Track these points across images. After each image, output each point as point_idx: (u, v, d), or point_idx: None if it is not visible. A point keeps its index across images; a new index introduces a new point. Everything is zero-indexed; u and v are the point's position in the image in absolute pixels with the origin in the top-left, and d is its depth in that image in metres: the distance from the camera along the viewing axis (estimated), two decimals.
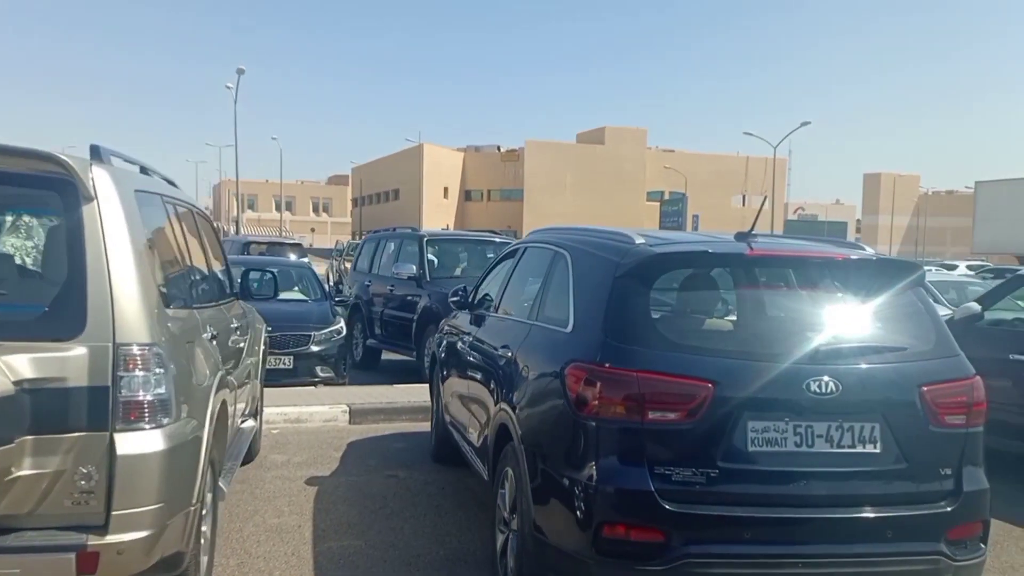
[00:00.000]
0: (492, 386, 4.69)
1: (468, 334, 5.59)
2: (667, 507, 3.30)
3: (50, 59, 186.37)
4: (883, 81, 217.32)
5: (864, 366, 3.53)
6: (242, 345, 5.39)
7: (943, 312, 8.03)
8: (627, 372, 3.38)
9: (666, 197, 65.96)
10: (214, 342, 4.16)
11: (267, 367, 8.58)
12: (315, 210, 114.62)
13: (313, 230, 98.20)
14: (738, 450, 3.37)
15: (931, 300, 3.91)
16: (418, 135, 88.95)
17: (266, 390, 8.16)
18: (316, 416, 7.78)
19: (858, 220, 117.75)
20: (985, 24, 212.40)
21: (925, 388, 3.56)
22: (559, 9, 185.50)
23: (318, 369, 9.13)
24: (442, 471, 6.41)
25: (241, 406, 5.35)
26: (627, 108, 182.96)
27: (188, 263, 4.24)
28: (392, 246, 11.92)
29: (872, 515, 3.44)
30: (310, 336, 9.09)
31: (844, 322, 3.80)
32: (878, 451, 3.48)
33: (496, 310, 5.32)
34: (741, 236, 3.97)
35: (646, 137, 78.65)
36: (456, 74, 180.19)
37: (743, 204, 79.71)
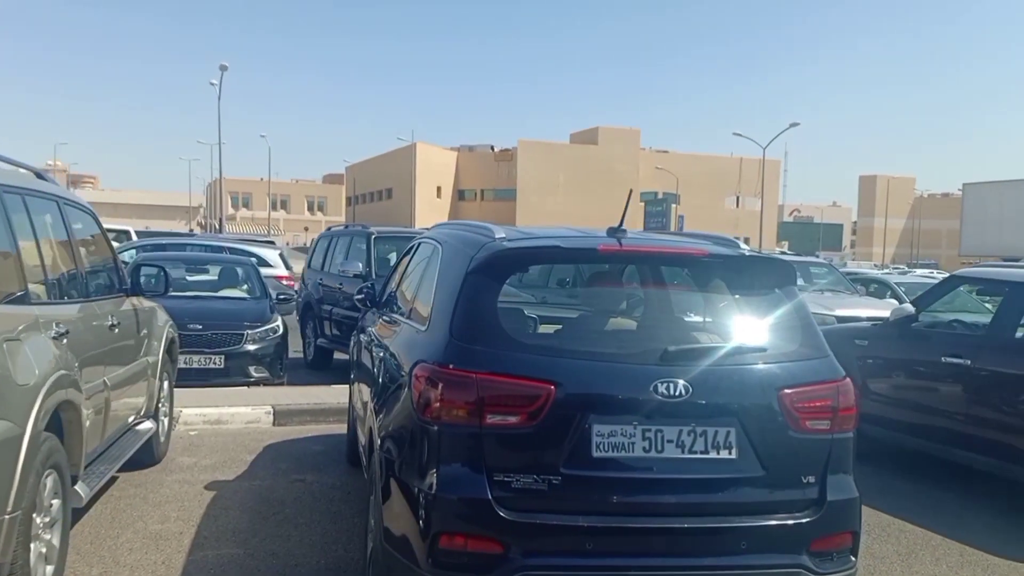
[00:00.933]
0: (371, 388, 4.50)
1: (366, 333, 5.40)
2: (505, 516, 3.10)
3: (44, 58, 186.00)
4: (880, 84, 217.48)
5: (719, 367, 3.32)
6: (126, 343, 5.17)
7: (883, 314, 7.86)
8: (467, 373, 3.17)
9: (659, 197, 65.78)
10: (63, 340, 3.95)
11: (196, 367, 8.46)
12: (310, 209, 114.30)
13: (307, 229, 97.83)
14: (582, 455, 3.16)
15: (803, 300, 3.69)
16: (411, 134, 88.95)
17: (190, 391, 8.02)
18: (238, 417, 7.56)
19: (854, 222, 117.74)
20: (981, 29, 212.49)
21: (784, 391, 3.34)
22: (552, 12, 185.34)
23: (252, 369, 8.89)
24: (353, 475, 6.19)
25: (124, 406, 5.13)
26: (621, 109, 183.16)
27: (36, 260, 4.03)
28: (343, 244, 11.71)
29: (727, 525, 3.24)
30: (243, 335, 8.86)
31: (701, 321, 3.61)
32: (733, 457, 3.27)
33: (389, 308, 5.12)
34: (612, 232, 3.76)
35: (639, 138, 78.54)
36: (451, 75, 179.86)
37: (737, 205, 79.70)
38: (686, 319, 3.74)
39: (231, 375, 8.75)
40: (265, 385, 8.98)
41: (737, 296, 3.76)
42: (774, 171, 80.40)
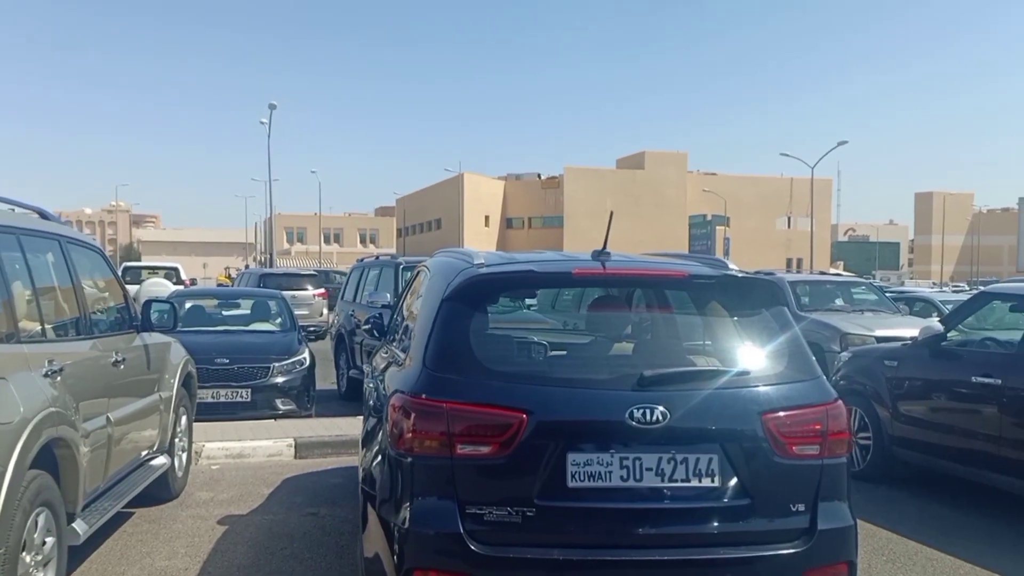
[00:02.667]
0: (364, 421, 4.48)
1: (370, 364, 5.39)
2: (478, 550, 3.03)
3: (105, 105, 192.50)
4: (933, 98, 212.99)
5: (699, 391, 3.21)
6: (134, 378, 5.24)
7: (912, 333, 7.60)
8: (437, 403, 3.13)
9: (707, 220, 65.24)
10: (56, 377, 4.00)
11: (223, 400, 8.55)
12: (362, 241, 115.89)
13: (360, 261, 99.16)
14: (557, 486, 3.08)
15: (792, 320, 3.56)
16: (459, 165, 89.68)
17: (215, 424, 8.11)
18: (260, 451, 7.60)
19: (911, 240, 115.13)
20: None
21: (769, 415, 3.22)
22: (595, 43, 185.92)
23: (278, 402, 8.94)
24: None
25: (132, 442, 5.18)
26: (667, 134, 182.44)
27: (31, 298, 4.11)
28: (373, 275, 11.79)
29: (709, 557, 3.12)
30: (269, 368, 8.93)
31: (682, 344, 3.51)
32: (716, 485, 3.16)
33: (390, 338, 5.11)
34: (596, 255, 3.69)
35: (687, 161, 78.07)
36: (498, 106, 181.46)
37: (788, 226, 78.48)
38: (667, 343, 3.64)
39: (258, 408, 8.82)
40: (292, 417, 9.02)
41: (721, 318, 3.65)
42: (825, 190, 79.09)
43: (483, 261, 3.63)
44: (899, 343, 7.57)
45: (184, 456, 6.54)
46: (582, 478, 3.09)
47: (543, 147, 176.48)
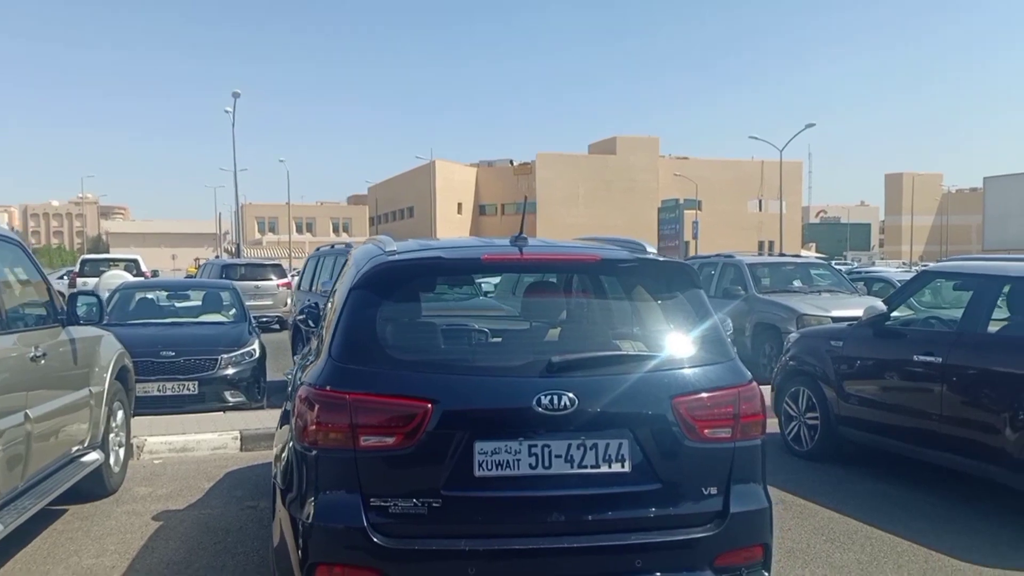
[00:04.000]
0: (282, 414, 4.39)
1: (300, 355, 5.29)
2: (382, 544, 2.97)
3: (70, 96, 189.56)
4: (902, 82, 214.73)
5: (608, 376, 3.17)
6: (57, 373, 5.11)
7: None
8: (340, 395, 3.06)
9: (674, 204, 65.43)
10: None
11: (170, 394, 8.42)
12: (335, 230, 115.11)
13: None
14: (464, 476, 3.02)
15: (707, 302, 3.52)
16: (430, 152, 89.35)
17: (160, 418, 7.98)
18: (204, 444, 7.47)
19: (882, 221, 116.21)
20: (1008, 21, 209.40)
21: (679, 399, 3.17)
22: (565, 27, 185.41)
23: (227, 394, 8.79)
24: None
25: (56, 438, 5.06)
26: (639, 119, 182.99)
27: None
28: (328, 263, 11.67)
29: (619, 543, 3.08)
30: (217, 360, 8.78)
31: (592, 329, 3.47)
32: (626, 470, 3.11)
33: (316, 328, 5.01)
34: (514, 240, 3.62)
35: (658, 146, 78.17)
36: (469, 93, 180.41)
37: (760, 209, 78.89)
38: (586, 328, 3.59)
39: (206, 401, 8.68)
40: (242, 410, 8.89)
41: (638, 302, 3.60)
42: (796, 173, 79.61)
43: (395, 248, 3.55)
44: (846, 323, 7.58)
45: (121, 451, 6.41)
46: (489, 467, 3.03)
47: (516, 134, 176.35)
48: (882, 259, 74.73)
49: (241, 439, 7.59)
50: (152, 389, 8.32)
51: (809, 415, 7.27)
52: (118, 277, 19.24)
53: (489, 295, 7.17)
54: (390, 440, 3.01)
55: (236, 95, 37.94)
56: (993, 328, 6.04)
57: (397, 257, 3.45)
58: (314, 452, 3.06)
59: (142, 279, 13.55)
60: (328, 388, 3.10)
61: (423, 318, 3.76)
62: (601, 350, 3.37)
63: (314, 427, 3.06)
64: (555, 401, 3.03)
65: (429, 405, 3.01)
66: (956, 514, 5.77)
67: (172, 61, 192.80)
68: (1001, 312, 6.17)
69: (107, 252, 64.78)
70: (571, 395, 3.05)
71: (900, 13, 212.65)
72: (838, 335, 7.13)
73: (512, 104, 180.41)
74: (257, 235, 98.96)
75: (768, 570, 3.31)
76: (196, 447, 7.46)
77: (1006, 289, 6.00)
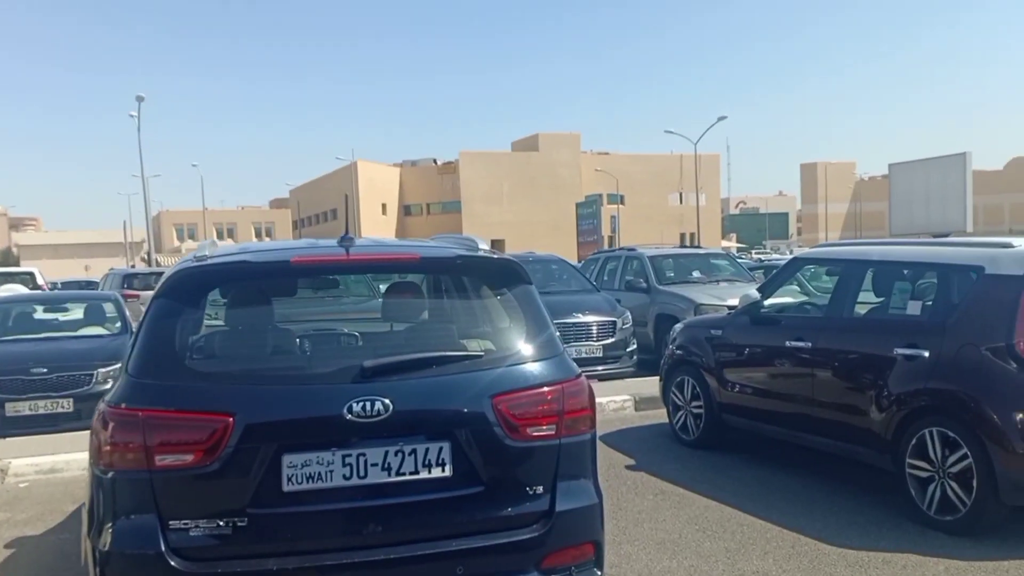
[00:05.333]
0: None
1: None
2: (180, 568, 2.80)
3: None
4: (816, 71, 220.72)
5: (426, 379, 3.07)
6: None
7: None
8: (132, 412, 2.88)
9: (605, 200, 65.95)
10: None
11: (42, 412, 8.03)
12: (258, 235, 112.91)
13: None
14: (271, 492, 2.88)
15: (537, 299, 3.44)
16: (351, 153, 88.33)
17: (31, 439, 7.61)
18: (74, 464, 7.11)
19: (799, 210, 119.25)
20: (914, 10, 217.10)
21: (499, 398, 3.08)
22: (483, 17, 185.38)
23: None
24: None
25: None
26: (561, 115, 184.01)
27: None
28: None
29: (441, 550, 2.97)
30: (94, 375, 8.41)
31: (408, 330, 3.35)
32: (448, 475, 3.01)
33: None
34: (341, 241, 3.48)
35: (579, 142, 78.65)
36: (389, 87, 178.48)
37: (680, 202, 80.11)
38: (396, 329, 3.48)
39: (83, 418, 8.22)
40: None
41: (459, 300, 3.52)
42: (713, 165, 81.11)
43: (206, 254, 3.38)
44: (725, 312, 7.65)
45: None
46: (300, 480, 2.89)
47: (439, 133, 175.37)
48: (800, 247, 76.64)
49: None
50: (23, 408, 7.94)
51: (694, 404, 7.31)
52: (12, 291, 18.42)
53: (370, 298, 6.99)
54: (188, 458, 2.85)
55: (140, 99, 36.86)
56: (860, 311, 6.15)
57: (200, 264, 3.28)
58: (110, 475, 2.89)
59: (17, 293, 12.95)
60: (123, 406, 2.92)
61: (235, 326, 3.58)
62: (435, 351, 3.25)
63: (108, 448, 2.89)
64: (367, 407, 2.91)
65: (230, 419, 2.86)
66: (829, 497, 5.84)
67: (81, 68, 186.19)
68: (870, 295, 6.29)
69: (17, 265, 62.34)
70: (385, 400, 2.93)
71: (802, 2, 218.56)
72: (717, 324, 7.19)
73: (434, 102, 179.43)
74: (176, 243, 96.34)
75: (600, 568, 3.25)
76: (65, 468, 7.10)
77: (869, 273, 6.11)
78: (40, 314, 10.11)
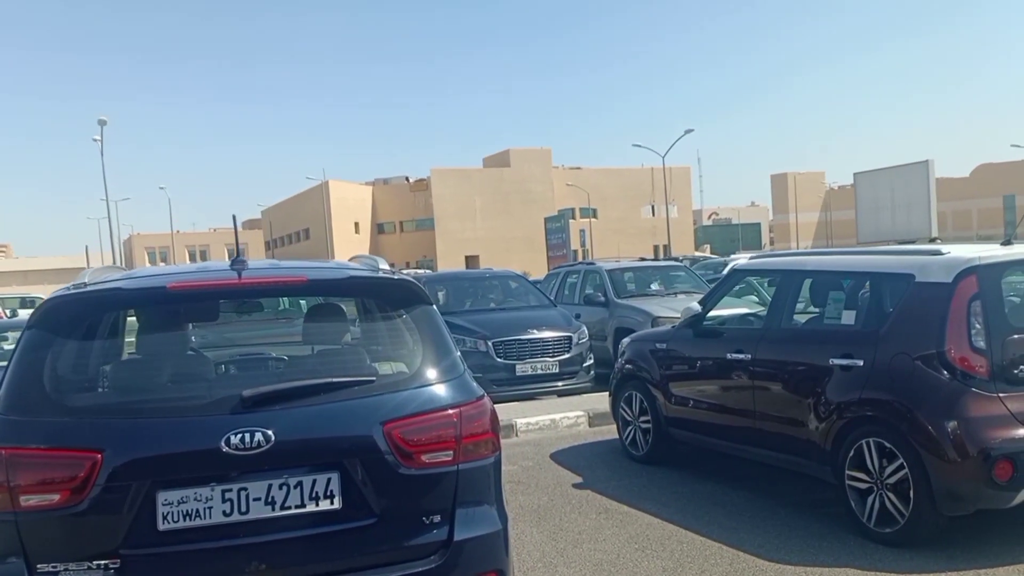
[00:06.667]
0: None
1: None
2: None
3: None
4: (785, 82, 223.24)
5: (311, 407, 2.93)
6: None
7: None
8: None
9: (576, 215, 66.05)
10: None
11: None
12: (230, 256, 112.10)
13: None
14: (146, 531, 2.74)
15: (438, 319, 3.32)
16: (322, 172, 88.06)
17: None
18: None
19: (771, 220, 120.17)
20: (878, 23, 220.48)
21: (391, 425, 2.95)
22: (452, 38, 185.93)
23: None
24: None
25: None
26: (532, 130, 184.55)
27: None
28: None
29: None
30: None
31: (300, 356, 3.22)
32: (337, 507, 2.88)
33: None
34: (235, 264, 3.35)
35: (551, 157, 78.89)
36: (360, 105, 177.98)
37: (652, 214, 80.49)
38: (280, 356, 3.35)
39: None
40: None
41: (353, 323, 3.41)
42: (684, 177, 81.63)
43: (85, 281, 3.24)
44: (668, 326, 7.58)
45: None
46: (176, 518, 2.75)
47: (410, 151, 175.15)
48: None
49: None
50: None
51: (642, 419, 7.22)
52: None
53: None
54: (55, 498, 2.70)
55: (103, 122, 36.56)
56: (799, 321, 6.10)
57: (72, 292, 3.15)
58: None
59: None
60: None
61: (114, 356, 3.43)
62: (325, 377, 3.12)
63: None
64: (246, 439, 2.78)
65: (99, 455, 2.72)
66: (773, 511, 5.75)
67: (46, 95, 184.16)
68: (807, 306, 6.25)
69: None
70: (267, 431, 2.80)
71: (768, 17, 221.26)
72: (662, 338, 7.11)
73: (405, 121, 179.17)
74: (147, 265, 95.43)
75: None
76: None
77: (806, 283, 6.06)
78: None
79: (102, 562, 2.70)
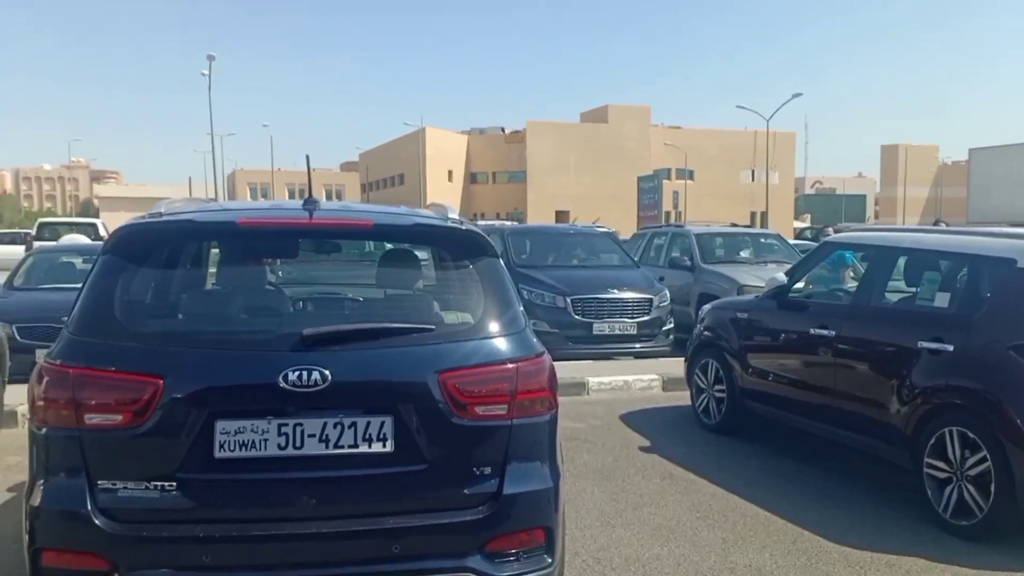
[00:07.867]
0: None
1: None
2: (107, 529, 2.77)
3: (62, 56, 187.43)
4: (908, 51, 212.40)
5: (370, 350, 2.95)
6: None
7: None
8: (64, 369, 2.84)
9: (672, 176, 64.74)
10: None
11: None
12: (328, 197, 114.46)
13: None
14: (202, 457, 2.81)
15: (502, 272, 3.28)
16: (420, 118, 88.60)
17: None
18: None
19: (878, 193, 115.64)
20: None
21: (447, 375, 2.94)
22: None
23: None
24: None
25: None
26: (632, 86, 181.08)
27: None
28: None
29: (376, 528, 2.87)
30: None
31: (367, 299, 3.22)
32: (388, 450, 2.89)
33: None
34: (307, 204, 3.38)
35: (650, 115, 77.34)
36: (461, 54, 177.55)
37: (752, 179, 78.37)
38: (356, 298, 3.35)
39: None
40: None
41: (440, 271, 3.38)
42: (789, 143, 78.88)
43: (162, 211, 3.32)
44: (753, 295, 7.37)
45: None
46: (232, 447, 2.82)
47: (508, 100, 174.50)
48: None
49: None
50: None
51: (717, 388, 7.09)
52: (76, 241, 18.98)
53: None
54: (117, 419, 2.80)
55: (211, 58, 37.54)
56: (890, 300, 5.83)
57: (146, 220, 3.23)
58: (43, 431, 2.87)
59: (73, 244, 13.32)
60: (57, 362, 2.89)
61: (186, 287, 3.52)
62: (387, 321, 3.13)
63: (41, 403, 2.87)
64: (304, 377, 2.81)
65: (160, 381, 2.80)
66: (845, 493, 5.58)
67: (158, 42, 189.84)
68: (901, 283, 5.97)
69: (96, 216, 64.38)
70: (325, 371, 2.83)
71: None
72: (744, 307, 6.93)
73: (505, 69, 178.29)
74: (248, 199, 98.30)
75: (552, 555, 3.09)
76: None
77: (901, 260, 5.78)
78: (81, 264, 10.27)
79: (159, 483, 2.79)
